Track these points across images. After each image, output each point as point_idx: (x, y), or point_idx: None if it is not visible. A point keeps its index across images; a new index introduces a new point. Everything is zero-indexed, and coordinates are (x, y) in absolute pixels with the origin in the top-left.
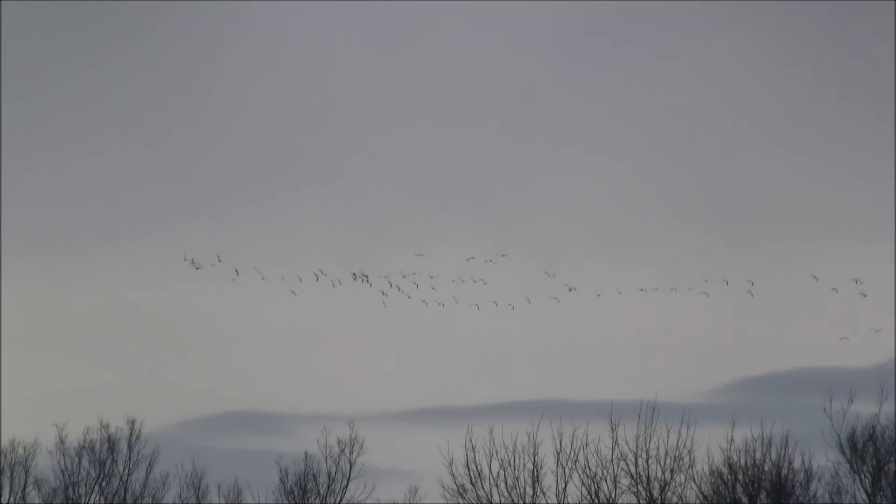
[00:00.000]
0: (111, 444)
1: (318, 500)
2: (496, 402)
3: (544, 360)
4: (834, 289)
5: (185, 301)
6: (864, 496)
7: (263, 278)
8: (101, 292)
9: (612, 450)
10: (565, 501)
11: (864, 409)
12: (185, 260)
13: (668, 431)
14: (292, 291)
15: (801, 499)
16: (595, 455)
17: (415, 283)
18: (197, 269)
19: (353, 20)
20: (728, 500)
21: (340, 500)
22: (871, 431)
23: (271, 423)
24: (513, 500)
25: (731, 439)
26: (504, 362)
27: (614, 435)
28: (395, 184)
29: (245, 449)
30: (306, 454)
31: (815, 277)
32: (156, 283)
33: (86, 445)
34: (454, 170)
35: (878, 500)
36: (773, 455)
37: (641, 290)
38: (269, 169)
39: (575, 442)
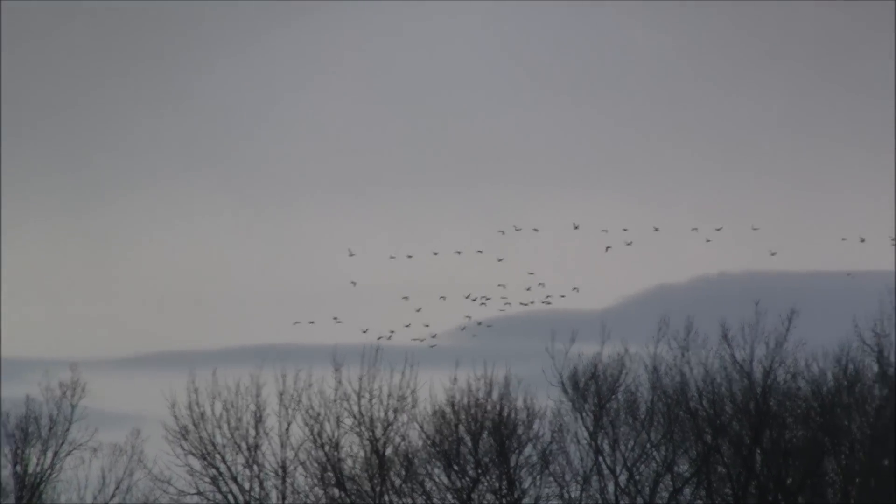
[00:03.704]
0: None
1: (39, 443)
2: (223, 347)
3: (269, 304)
4: (576, 226)
5: None
6: (587, 434)
7: None
8: None
9: (336, 390)
10: (288, 441)
11: (589, 350)
12: None
13: (392, 373)
14: None
15: (523, 437)
16: (318, 396)
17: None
18: None
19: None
20: (451, 439)
21: (62, 442)
22: (592, 370)
23: None
24: (235, 440)
25: (455, 379)
26: (228, 306)
27: (338, 376)
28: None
29: None
30: (27, 397)
31: (575, 226)
32: None
33: None
34: None
35: (599, 438)
36: (496, 395)
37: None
38: None
39: (298, 383)
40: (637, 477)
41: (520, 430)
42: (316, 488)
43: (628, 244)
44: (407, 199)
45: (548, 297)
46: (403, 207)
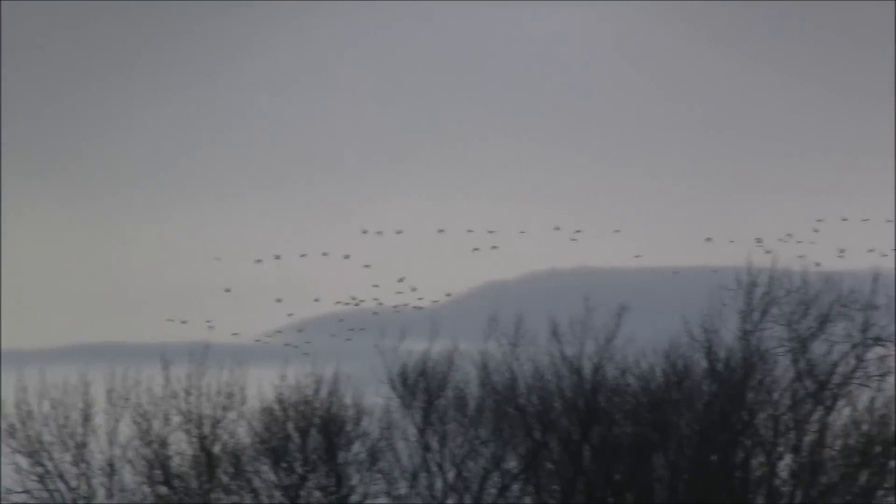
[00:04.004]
0: None
1: None
2: (52, 346)
3: (91, 303)
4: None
5: None
6: (415, 431)
7: None
8: None
9: (165, 388)
10: (116, 439)
11: (419, 348)
12: None
13: (222, 370)
14: None
15: (351, 434)
16: (147, 393)
17: None
18: None
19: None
20: (279, 436)
21: None
22: (422, 368)
23: None
24: (63, 438)
25: (284, 377)
26: (49, 304)
27: (166, 374)
28: None
29: None
30: None
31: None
32: None
33: None
34: None
35: (428, 435)
36: (325, 393)
37: None
38: None
39: (127, 381)
40: (465, 474)
41: (348, 428)
42: (143, 486)
43: (494, 248)
44: (273, 200)
45: (420, 298)
46: (272, 207)
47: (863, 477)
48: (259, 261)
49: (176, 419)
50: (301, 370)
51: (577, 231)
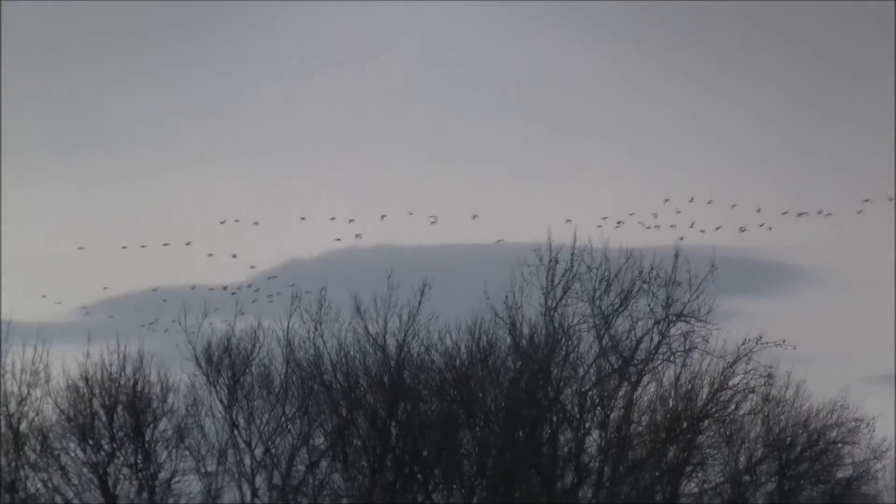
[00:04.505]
0: None
1: None
2: None
3: None
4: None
5: None
6: (221, 408)
7: None
8: None
9: None
10: None
11: (223, 325)
12: None
13: (24, 347)
14: None
15: (158, 411)
16: None
17: None
18: None
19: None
20: (85, 413)
21: None
22: (226, 344)
23: None
24: None
25: (88, 354)
26: None
27: None
28: None
29: None
30: None
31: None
32: None
33: None
34: None
35: (234, 412)
36: (129, 370)
37: None
38: None
39: None
40: (273, 450)
41: (154, 405)
42: None
43: (357, 236)
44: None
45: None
46: (144, 195)
47: (670, 452)
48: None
49: None
50: (105, 348)
51: (432, 217)
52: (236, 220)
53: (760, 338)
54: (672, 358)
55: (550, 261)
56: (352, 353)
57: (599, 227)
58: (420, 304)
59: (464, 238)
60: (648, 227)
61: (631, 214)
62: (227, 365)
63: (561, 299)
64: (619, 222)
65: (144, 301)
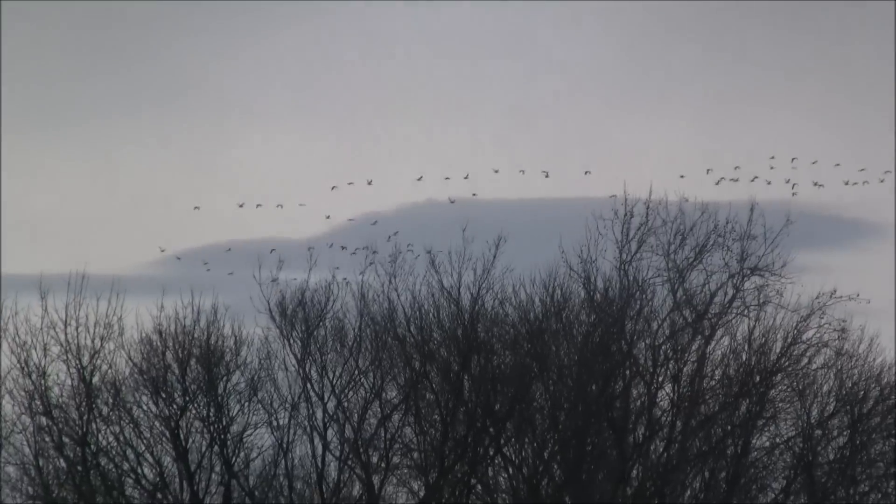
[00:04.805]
0: None
1: None
2: None
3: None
4: None
5: None
6: (294, 361)
7: None
8: None
9: (42, 319)
10: None
11: (298, 279)
12: None
13: (98, 300)
14: None
15: (231, 365)
16: (25, 324)
17: None
18: None
19: None
20: (158, 366)
21: None
22: (300, 297)
23: None
24: None
25: (162, 307)
26: None
27: (44, 304)
28: None
29: None
30: None
31: None
32: None
33: None
34: None
35: (307, 365)
36: (203, 323)
37: None
38: None
39: (4, 311)
40: (346, 404)
41: (227, 358)
42: (23, 416)
43: (350, 183)
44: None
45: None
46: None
47: (742, 407)
48: None
49: (55, 350)
50: (179, 301)
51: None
52: (350, 183)
53: (834, 292)
54: (745, 312)
55: (625, 215)
56: (426, 306)
57: (682, 177)
58: (495, 257)
59: (539, 192)
60: (730, 180)
61: (708, 171)
62: (300, 318)
63: (635, 253)
64: (709, 170)
65: (214, 254)
